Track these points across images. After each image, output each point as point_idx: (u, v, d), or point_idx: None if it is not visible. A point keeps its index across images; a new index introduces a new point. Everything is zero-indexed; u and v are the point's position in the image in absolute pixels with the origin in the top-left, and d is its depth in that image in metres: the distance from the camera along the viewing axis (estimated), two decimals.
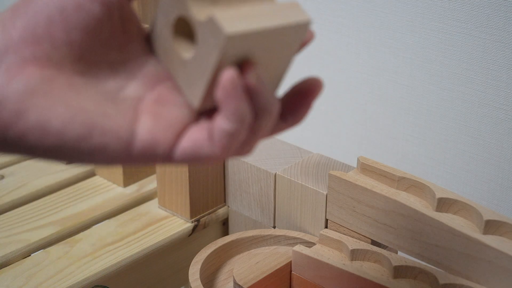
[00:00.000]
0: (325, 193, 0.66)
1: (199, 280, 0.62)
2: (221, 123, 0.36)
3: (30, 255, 0.70)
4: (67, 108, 0.36)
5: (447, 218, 0.58)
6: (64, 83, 0.36)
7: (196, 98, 0.38)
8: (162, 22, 0.39)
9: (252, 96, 0.37)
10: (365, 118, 0.89)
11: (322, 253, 0.64)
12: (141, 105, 0.38)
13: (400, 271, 0.60)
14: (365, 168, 0.65)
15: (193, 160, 0.38)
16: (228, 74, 0.36)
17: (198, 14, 0.37)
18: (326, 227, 0.67)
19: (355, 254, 0.63)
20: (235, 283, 0.62)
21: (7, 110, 0.35)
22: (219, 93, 0.36)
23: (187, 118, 0.38)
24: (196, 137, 0.37)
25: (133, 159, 0.37)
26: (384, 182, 0.64)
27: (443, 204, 0.60)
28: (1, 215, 0.76)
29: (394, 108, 0.86)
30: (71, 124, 0.36)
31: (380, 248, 0.62)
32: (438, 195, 0.60)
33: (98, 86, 0.38)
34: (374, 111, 0.88)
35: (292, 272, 0.66)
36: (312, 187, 0.68)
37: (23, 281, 0.66)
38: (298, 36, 0.40)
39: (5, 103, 0.35)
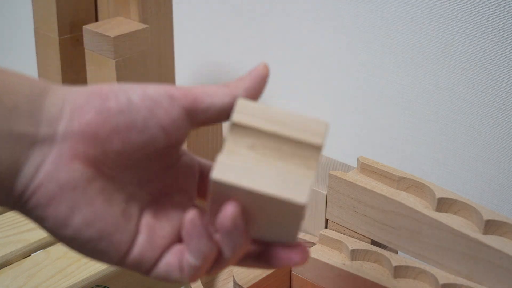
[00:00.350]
0: (325, 193, 0.66)
1: (199, 280, 0.62)
2: (188, 257, 0.40)
3: (30, 255, 0.70)
4: (92, 211, 0.39)
5: (447, 218, 0.58)
6: (98, 186, 0.39)
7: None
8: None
9: (221, 234, 0.39)
10: (365, 118, 0.89)
11: (322, 253, 0.64)
12: (142, 219, 0.41)
13: (400, 271, 0.60)
14: (365, 168, 0.65)
15: (166, 280, 0.42)
16: (189, 215, 0.39)
17: (225, 149, 0.39)
18: (326, 227, 0.67)
19: (355, 254, 0.63)
20: (235, 283, 0.62)
21: (43, 194, 0.38)
22: (183, 231, 0.40)
23: (175, 235, 0.42)
24: (170, 261, 0.41)
25: (122, 266, 0.41)
26: (384, 182, 0.64)
27: (443, 204, 0.60)
28: (1, 215, 0.76)
29: (394, 108, 0.86)
30: (89, 227, 0.39)
31: (380, 248, 0.63)
32: (438, 195, 0.60)
33: (120, 195, 0.40)
34: (374, 111, 0.88)
35: (292, 272, 0.66)
36: (312, 187, 0.68)
37: (23, 281, 0.66)
38: (292, 211, 0.39)
39: (46, 186, 0.38)
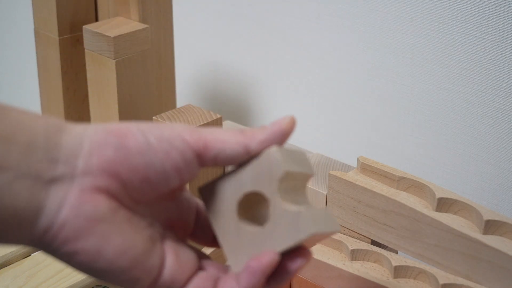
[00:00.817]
0: (325, 193, 0.66)
1: None
2: (234, 286, 0.41)
3: (30, 255, 0.70)
4: (123, 241, 0.39)
5: (447, 218, 0.58)
6: (124, 216, 0.40)
7: (237, 265, 0.42)
8: (230, 190, 0.42)
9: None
10: (365, 118, 0.89)
11: (322, 253, 0.64)
12: (166, 243, 0.42)
13: (400, 271, 0.60)
14: (365, 168, 0.65)
15: None
16: (269, 256, 0.41)
17: (283, 202, 0.41)
18: None
19: (355, 254, 0.63)
20: None
21: (71, 228, 0.38)
22: (250, 265, 0.41)
23: (196, 261, 0.43)
24: (200, 285, 0.42)
25: None
26: (384, 182, 0.64)
27: (443, 204, 0.60)
28: None
29: (394, 108, 0.86)
30: (122, 257, 0.39)
31: (380, 248, 0.63)
32: (438, 195, 0.60)
33: (143, 222, 0.41)
34: (374, 111, 0.88)
35: None
36: (312, 187, 0.68)
37: (23, 281, 0.66)
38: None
39: (72, 221, 0.38)
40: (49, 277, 0.66)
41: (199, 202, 0.47)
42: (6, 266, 0.68)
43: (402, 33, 0.82)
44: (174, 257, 0.42)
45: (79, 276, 0.66)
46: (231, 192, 0.42)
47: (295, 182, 0.42)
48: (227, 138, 0.41)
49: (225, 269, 0.44)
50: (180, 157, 0.40)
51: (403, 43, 0.82)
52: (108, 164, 0.39)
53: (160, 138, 0.40)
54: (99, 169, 0.39)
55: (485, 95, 0.76)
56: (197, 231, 0.46)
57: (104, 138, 0.39)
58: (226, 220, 0.42)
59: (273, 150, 0.41)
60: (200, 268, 0.44)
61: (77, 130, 0.39)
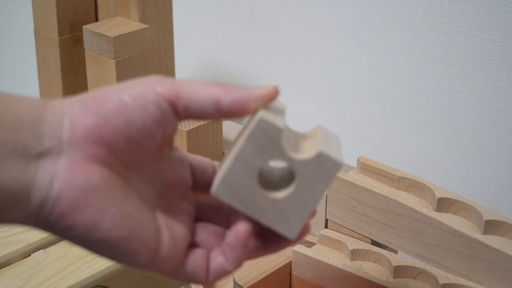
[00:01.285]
0: (325, 193, 0.66)
1: None
2: (223, 263, 0.43)
3: (30, 255, 0.70)
4: (118, 210, 0.39)
5: (447, 218, 0.58)
6: (117, 185, 0.40)
7: (295, 230, 0.43)
8: (242, 172, 0.42)
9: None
10: (365, 118, 0.89)
11: (322, 253, 0.64)
12: (158, 216, 0.42)
13: (400, 271, 0.60)
14: (365, 168, 0.65)
15: (189, 281, 0.44)
16: (239, 228, 0.42)
17: (296, 155, 0.41)
18: (326, 227, 0.67)
19: (355, 254, 0.63)
20: (235, 283, 0.62)
21: (66, 202, 0.38)
22: (227, 241, 0.42)
23: (188, 235, 0.44)
24: (197, 263, 0.43)
25: (152, 267, 0.41)
26: (384, 182, 0.64)
27: (443, 204, 0.60)
28: None
29: (394, 108, 0.86)
30: (119, 227, 0.39)
31: (380, 248, 0.63)
32: (438, 195, 0.60)
33: (134, 193, 0.41)
34: (374, 111, 0.88)
35: (292, 272, 0.66)
36: None
37: (23, 281, 0.66)
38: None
39: (66, 194, 0.38)
40: (49, 277, 0.66)
41: (191, 157, 0.46)
42: (6, 266, 0.68)
43: (402, 33, 0.82)
44: (169, 234, 0.42)
45: (79, 276, 0.66)
46: (245, 176, 0.42)
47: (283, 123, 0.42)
48: (199, 88, 0.41)
49: (215, 230, 0.45)
50: (157, 110, 0.40)
51: (403, 43, 0.82)
52: (90, 132, 0.39)
53: (134, 96, 0.40)
54: (84, 138, 0.39)
55: (485, 95, 0.76)
56: (198, 186, 0.46)
57: (82, 107, 0.40)
58: (257, 203, 0.42)
59: (262, 116, 0.41)
60: (192, 242, 0.44)
61: (56, 105, 0.40)
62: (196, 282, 0.43)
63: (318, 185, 0.42)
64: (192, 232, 0.45)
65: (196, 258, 0.43)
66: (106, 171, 0.39)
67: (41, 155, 0.38)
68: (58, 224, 0.38)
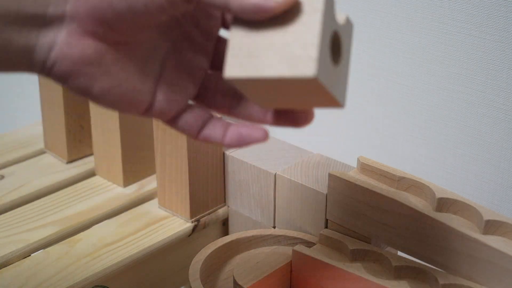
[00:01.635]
0: (325, 193, 0.66)
1: (199, 280, 0.62)
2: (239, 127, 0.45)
3: (30, 255, 0.70)
4: (109, 80, 0.42)
5: (447, 218, 0.58)
6: (111, 58, 0.42)
7: (343, 96, 0.45)
8: (325, 46, 0.41)
9: None
10: (365, 118, 0.89)
11: (322, 253, 0.64)
12: (162, 76, 0.44)
13: (400, 271, 0.60)
14: (365, 168, 0.65)
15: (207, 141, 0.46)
16: (259, 134, 0.45)
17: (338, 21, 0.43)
18: (326, 227, 0.67)
19: (355, 254, 0.63)
20: (235, 283, 0.62)
21: (59, 69, 0.41)
22: (242, 136, 0.45)
23: (191, 91, 0.46)
24: (189, 121, 0.45)
25: (148, 117, 0.45)
26: (384, 182, 0.64)
27: (443, 204, 0.60)
28: (1, 215, 0.76)
29: (394, 108, 0.86)
30: (108, 94, 0.43)
31: (380, 248, 0.63)
32: (438, 195, 0.60)
33: (135, 58, 0.43)
34: (374, 111, 0.88)
35: (292, 272, 0.66)
36: (312, 187, 0.68)
37: (23, 281, 0.66)
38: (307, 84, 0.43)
39: (61, 62, 0.41)
40: (49, 277, 0.66)
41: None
42: (6, 266, 0.68)
43: (402, 33, 0.82)
44: (164, 94, 0.44)
45: (79, 276, 0.66)
46: (326, 50, 0.41)
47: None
48: None
49: (217, 118, 0.47)
50: None
51: (403, 43, 0.82)
52: (93, 12, 0.40)
53: None
54: (86, 15, 0.40)
55: (486, 95, 0.76)
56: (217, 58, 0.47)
57: None
58: (329, 73, 0.42)
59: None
60: (191, 108, 0.46)
61: None
62: (189, 135, 0.46)
63: (349, 49, 0.44)
64: (197, 86, 0.46)
65: (190, 115, 0.45)
66: (102, 45, 0.41)
67: (44, 24, 0.40)
68: (57, 82, 0.42)
